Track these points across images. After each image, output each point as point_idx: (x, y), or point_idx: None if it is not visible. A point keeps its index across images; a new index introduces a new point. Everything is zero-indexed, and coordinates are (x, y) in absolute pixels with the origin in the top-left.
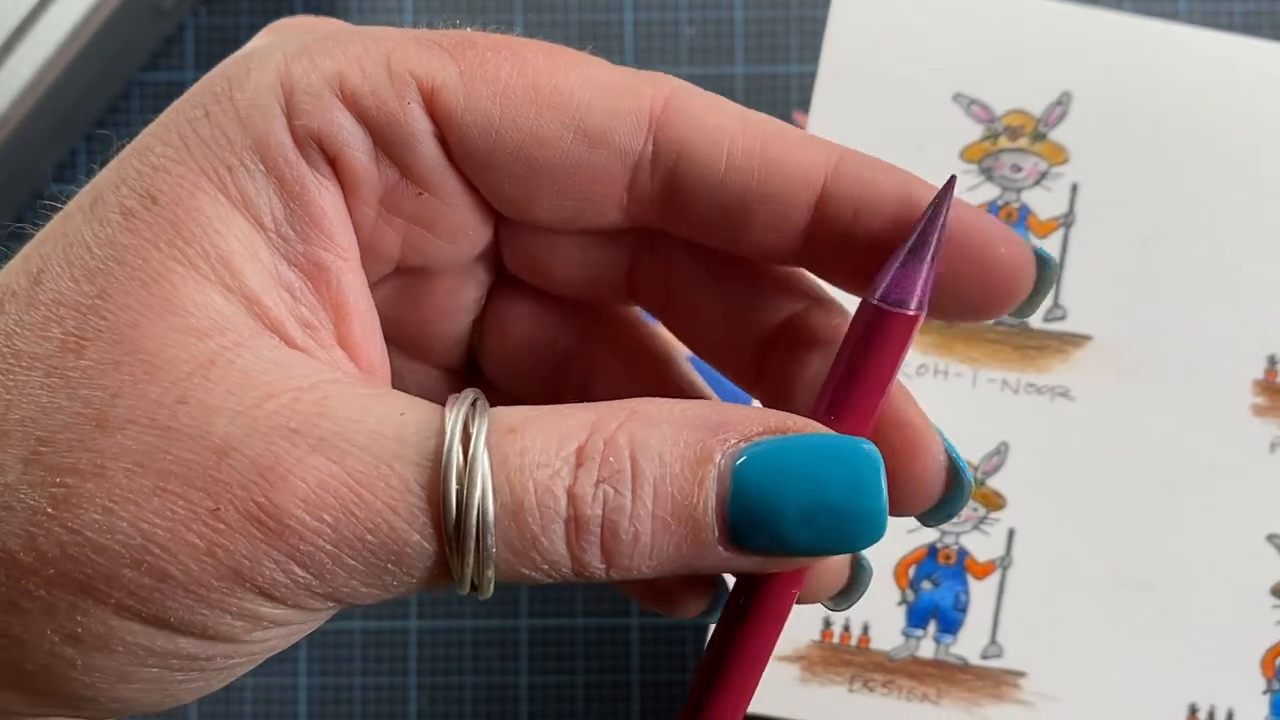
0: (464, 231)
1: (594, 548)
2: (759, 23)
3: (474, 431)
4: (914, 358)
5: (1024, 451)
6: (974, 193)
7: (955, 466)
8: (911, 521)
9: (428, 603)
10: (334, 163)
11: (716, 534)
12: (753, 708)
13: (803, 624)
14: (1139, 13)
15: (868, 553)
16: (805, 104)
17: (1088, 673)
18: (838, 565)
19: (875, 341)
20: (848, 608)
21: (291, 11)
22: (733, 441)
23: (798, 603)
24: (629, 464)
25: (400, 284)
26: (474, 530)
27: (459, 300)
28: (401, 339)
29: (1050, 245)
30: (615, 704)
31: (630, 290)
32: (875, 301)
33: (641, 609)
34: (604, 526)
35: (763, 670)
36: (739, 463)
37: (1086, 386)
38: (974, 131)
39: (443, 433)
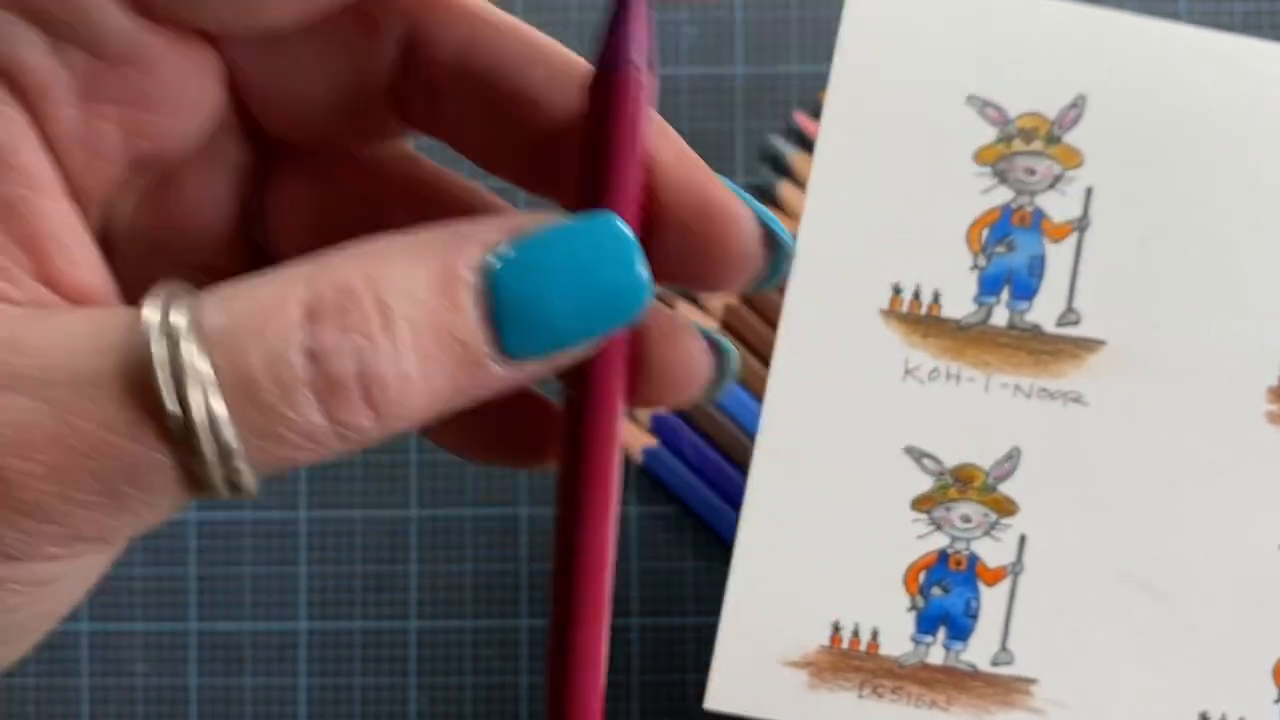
0: (185, 96)
1: (355, 405)
2: (759, 23)
3: (175, 319)
4: (926, 362)
5: (1036, 457)
6: (988, 195)
7: (770, 230)
8: (922, 527)
9: (428, 603)
10: (8, 79)
11: (489, 350)
12: (762, 713)
13: (810, 629)
14: (1138, 11)
15: (881, 562)
16: (806, 104)
17: (1098, 680)
18: (696, 357)
19: (607, 111)
20: (719, 390)
21: None
22: (476, 254)
23: (670, 410)
24: (373, 305)
25: (145, 188)
26: (204, 423)
27: (215, 188)
28: (168, 251)
29: (1064, 249)
30: (615, 704)
31: (397, 112)
32: (594, 70)
33: (641, 609)
34: (365, 379)
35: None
36: (491, 271)
37: (1100, 391)
38: (988, 134)
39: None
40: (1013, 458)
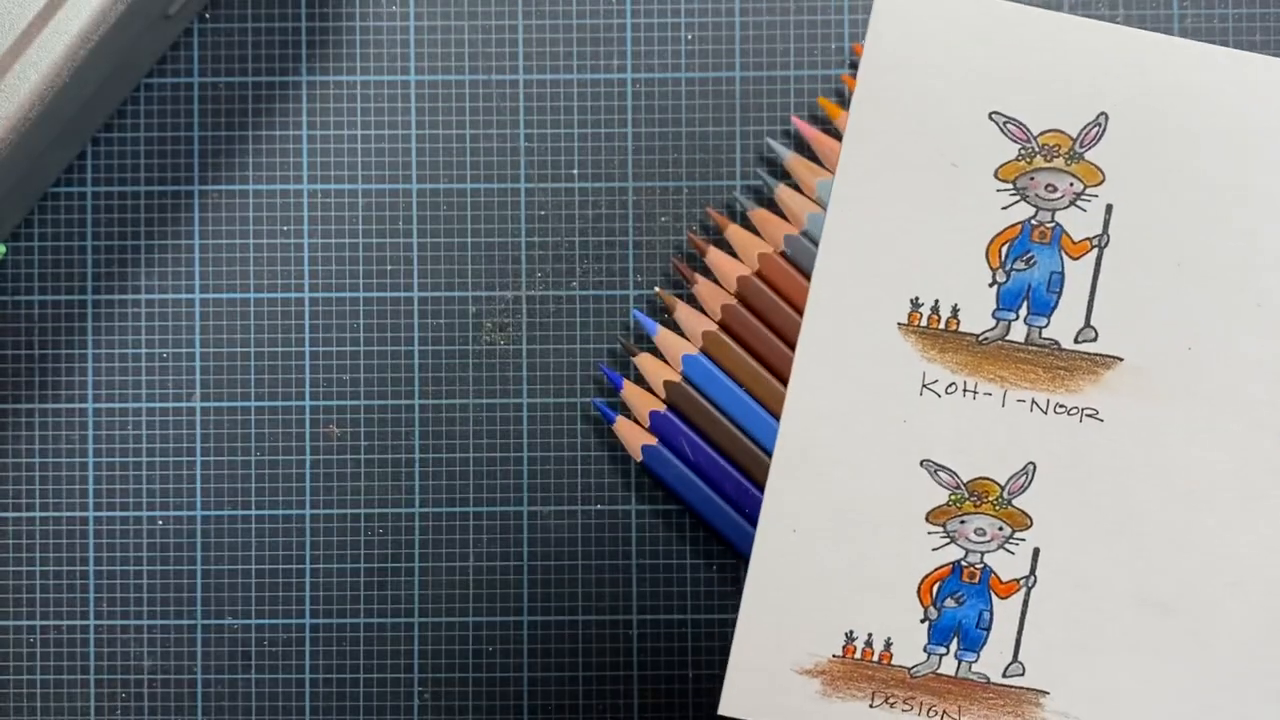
0: None
1: None
2: (757, 26)
3: None
4: (944, 376)
5: (1051, 471)
6: (1008, 211)
7: None
8: (936, 539)
9: (429, 600)
10: None
11: None
12: None
13: (823, 638)
14: (1134, 17)
15: (895, 573)
16: (803, 109)
17: (1109, 693)
18: None
19: None
20: None
21: (296, 17)
22: None
23: None
24: None
25: None
26: None
27: None
28: None
29: (1083, 266)
30: (615, 699)
31: None
32: None
33: (640, 606)
34: None
35: None
36: None
37: (1116, 408)
38: (1009, 150)
39: None
40: (1028, 472)
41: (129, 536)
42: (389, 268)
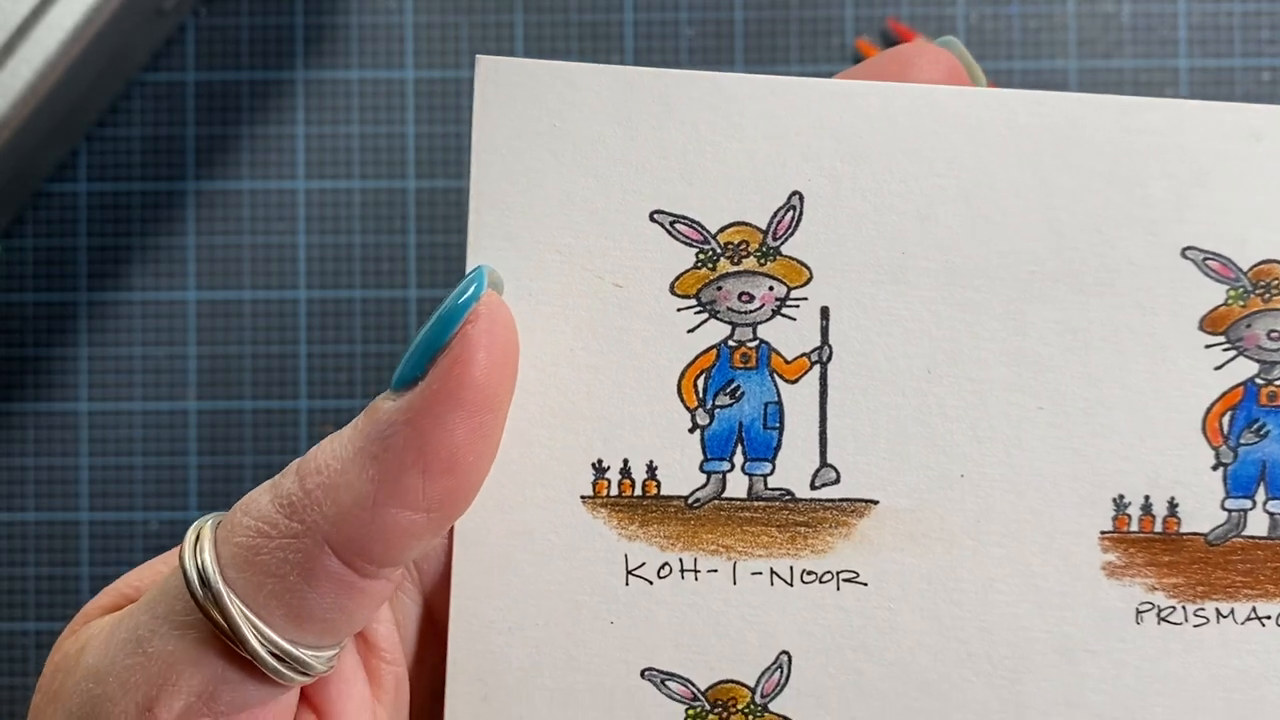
0: None
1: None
2: (759, 23)
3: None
4: (652, 556)
5: (812, 660)
6: (697, 335)
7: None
8: None
9: None
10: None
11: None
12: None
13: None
14: (1139, 12)
15: None
16: None
17: None
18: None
19: None
20: None
21: (291, 12)
22: None
23: None
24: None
25: None
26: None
27: None
28: None
29: (805, 390)
30: None
31: None
32: None
33: None
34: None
35: None
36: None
37: (880, 565)
38: (685, 257)
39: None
40: (781, 666)
41: (123, 540)
42: (386, 266)
